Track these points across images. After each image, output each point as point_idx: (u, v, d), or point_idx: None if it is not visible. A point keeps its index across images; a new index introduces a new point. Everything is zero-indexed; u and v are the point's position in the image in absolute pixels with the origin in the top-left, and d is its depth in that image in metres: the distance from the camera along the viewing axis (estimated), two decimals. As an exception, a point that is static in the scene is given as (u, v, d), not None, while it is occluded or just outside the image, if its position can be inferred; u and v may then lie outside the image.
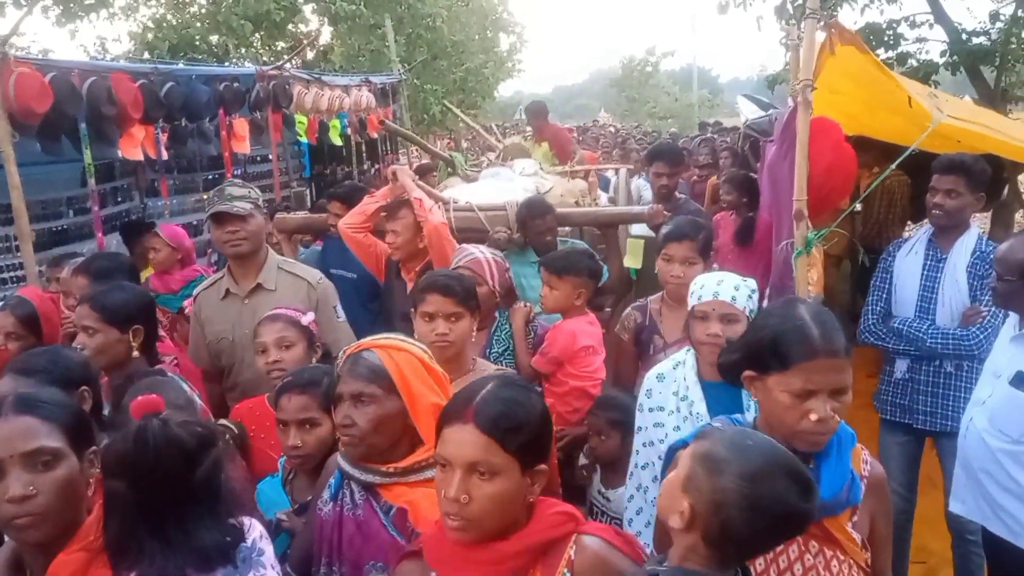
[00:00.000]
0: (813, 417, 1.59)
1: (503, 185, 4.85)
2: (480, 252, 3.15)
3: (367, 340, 1.97)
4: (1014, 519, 2.51)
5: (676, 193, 4.91)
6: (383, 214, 3.97)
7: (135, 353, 2.73)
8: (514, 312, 3.24)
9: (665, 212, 4.03)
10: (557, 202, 4.73)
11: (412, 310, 2.58)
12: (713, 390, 2.31)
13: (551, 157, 7.47)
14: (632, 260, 4.45)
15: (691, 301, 2.42)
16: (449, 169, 6.33)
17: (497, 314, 3.19)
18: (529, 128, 9.25)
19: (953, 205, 3.20)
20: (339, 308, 3.26)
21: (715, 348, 2.14)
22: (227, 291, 3.25)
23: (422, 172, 7.60)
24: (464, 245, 3.31)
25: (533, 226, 3.96)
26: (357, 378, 1.87)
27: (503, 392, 1.54)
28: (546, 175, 5.31)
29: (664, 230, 3.10)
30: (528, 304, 3.34)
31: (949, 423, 3.12)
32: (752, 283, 2.40)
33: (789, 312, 1.70)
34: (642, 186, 7.95)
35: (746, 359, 1.73)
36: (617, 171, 8.20)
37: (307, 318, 2.76)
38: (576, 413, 3.15)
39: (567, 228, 4.52)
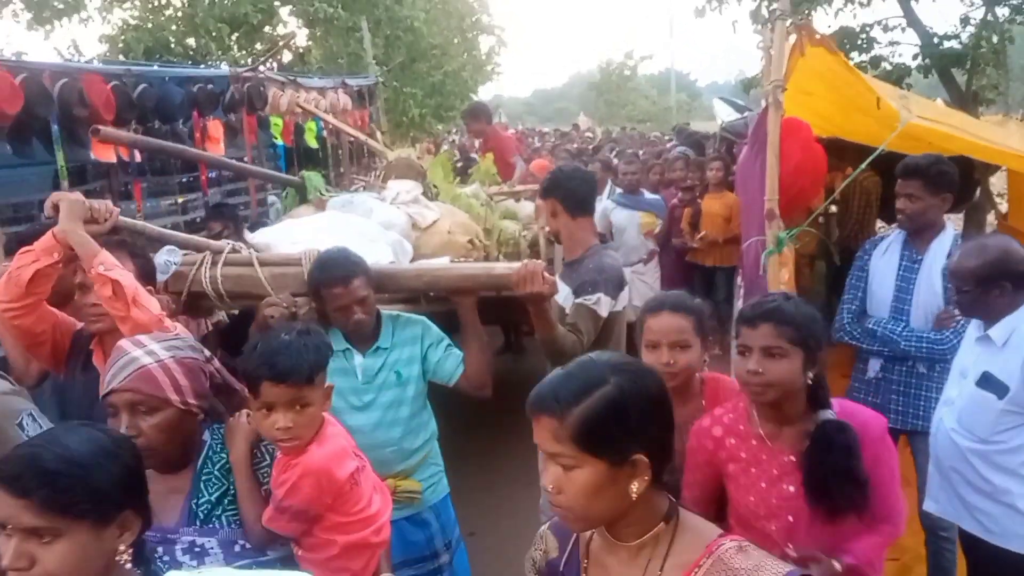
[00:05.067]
0: None
1: (351, 221, 3.44)
2: (147, 354, 1.87)
3: None
4: (988, 517, 2.53)
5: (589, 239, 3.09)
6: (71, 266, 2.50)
7: None
8: (231, 431, 2.00)
9: (546, 274, 2.68)
10: (443, 241, 3.65)
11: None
12: None
13: (495, 172, 5.80)
14: None
15: None
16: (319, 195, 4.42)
17: (207, 436, 1.98)
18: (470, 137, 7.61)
19: (913, 209, 3.22)
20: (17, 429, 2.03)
21: None
22: None
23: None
24: (121, 344, 1.94)
25: (331, 297, 2.64)
26: None
27: None
28: (430, 203, 3.98)
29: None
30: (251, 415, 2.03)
31: (921, 422, 3.15)
32: None
33: None
34: (609, 208, 6.38)
35: None
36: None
37: None
38: None
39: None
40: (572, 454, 1.29)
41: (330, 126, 7.47)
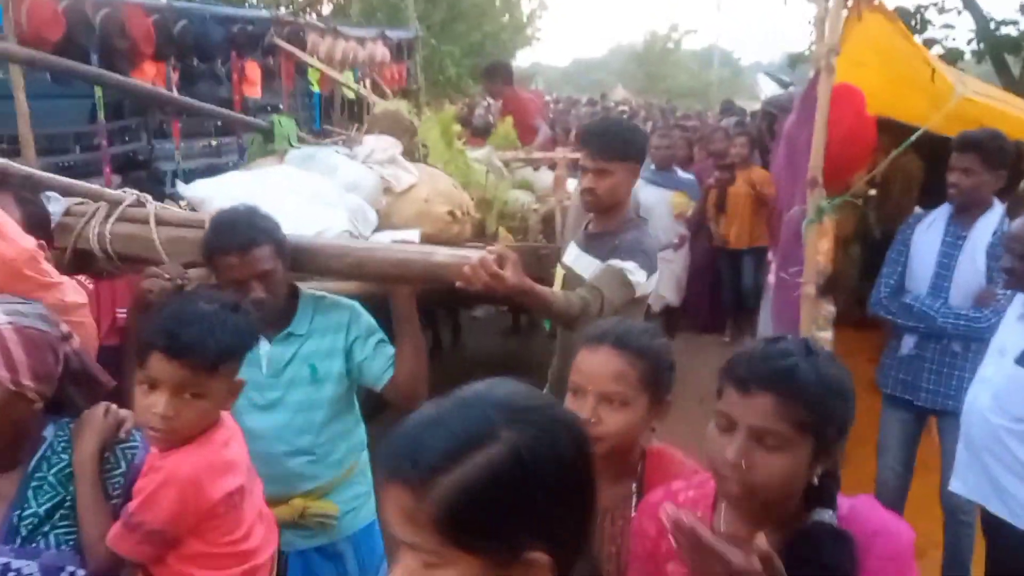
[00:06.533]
0: None
1: (306, 179, 3.00)
2: None
3: None
4: (1016, 500, 2.48)
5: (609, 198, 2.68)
6: None
7: None
8: (81, 426, 1.62)
9: (501, 258, 2.04)
10: (417, 211, 3.19)
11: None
12: None
13: (515, 137, 5.28)
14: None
15: None
16: (271, 146, 3.85)
17: (50, 432, 1.61)
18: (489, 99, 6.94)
19: (968, 184, 3.13)
20: None
21: None
22: None
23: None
24: None
25: (224, 267, 2.14)
26: None
27: None
28: (408, 164, 3.44)
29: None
30: (116, 408, 1.66)
31: (951, 402, 3.08)
32: None
33: None
34: (638, 185, 6.00)
35: None
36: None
37: None
38: None
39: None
40: (435, 547, 0.86)
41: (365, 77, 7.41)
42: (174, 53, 5.42)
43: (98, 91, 4.96)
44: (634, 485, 1.67)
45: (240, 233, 2.11)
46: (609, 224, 2.69)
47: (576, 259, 2.75)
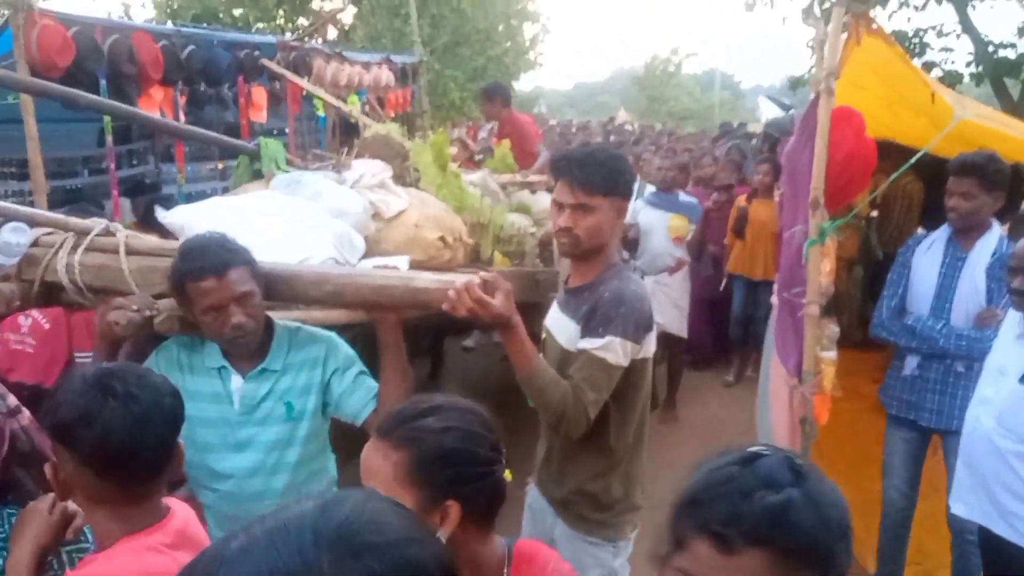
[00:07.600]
0: None
1: (291, 205, 2.91)
2: None
3: None
4: (1022, 521, 2.48)
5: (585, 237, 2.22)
6: None
7: None
8: (21, 523, 1.42)
9: (489, 284, 1.95)
10: (407, 236, 3.09)
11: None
12: None
13: (512, 160, 5.24)
14: None
15: None
16: (258, 166, 3.75)
17: None
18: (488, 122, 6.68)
19: (967, 207, 3.16)
20: None
21: None
22: None
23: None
24: None
25: (199, 294, 1.99)
26: None
27: None
28: (398, 189, 3.35)
29: None
30: (63, 503, 1.42)
31: (956, 422, 3.08)
32: None
33: None
34: (638, 208, 5.56)
35: None
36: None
37: None
38: None
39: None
40: None
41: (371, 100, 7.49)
42: (182, 78, 5.50)
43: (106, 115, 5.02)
44: None
45: (213, 255, 2.01)
46: (588, 274, 2.27)
47: (554, 321, 2.36)
